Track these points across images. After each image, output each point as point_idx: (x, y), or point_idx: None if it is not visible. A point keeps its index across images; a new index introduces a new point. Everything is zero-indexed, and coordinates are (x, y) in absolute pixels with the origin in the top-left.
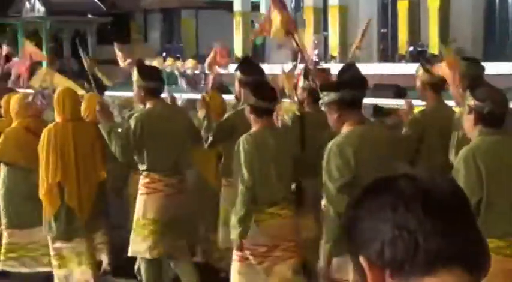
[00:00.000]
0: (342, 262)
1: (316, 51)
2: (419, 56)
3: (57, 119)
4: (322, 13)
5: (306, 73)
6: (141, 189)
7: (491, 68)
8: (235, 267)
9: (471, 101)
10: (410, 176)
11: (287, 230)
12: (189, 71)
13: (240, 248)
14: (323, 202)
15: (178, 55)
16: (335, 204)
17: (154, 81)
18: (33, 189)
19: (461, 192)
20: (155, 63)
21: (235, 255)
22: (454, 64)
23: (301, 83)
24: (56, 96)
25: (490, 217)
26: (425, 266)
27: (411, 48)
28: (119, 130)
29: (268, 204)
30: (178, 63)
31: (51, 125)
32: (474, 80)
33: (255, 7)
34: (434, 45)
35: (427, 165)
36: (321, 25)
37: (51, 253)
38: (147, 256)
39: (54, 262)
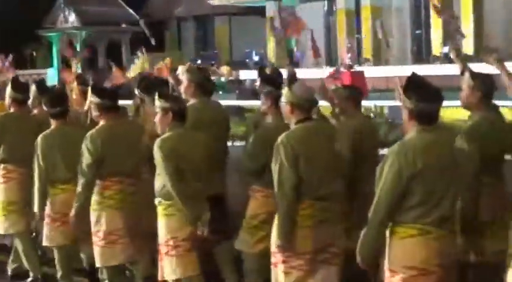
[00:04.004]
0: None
1: (349, 55)
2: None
3: None
4: (355, 15)
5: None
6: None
7: None
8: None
9: (292, 98)
10: None
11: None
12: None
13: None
14: None
15: (213, 62)
16: (85, 177)
17: (20, 93)
18: None
19: None
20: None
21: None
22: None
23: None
24: None
25: (307, 191)
26: None
27: (445, 49)
28: None
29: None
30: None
31: None
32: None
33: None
34: (468, 45)
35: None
36: (354, 28)
37: None
38: (15, 231)
39: None
